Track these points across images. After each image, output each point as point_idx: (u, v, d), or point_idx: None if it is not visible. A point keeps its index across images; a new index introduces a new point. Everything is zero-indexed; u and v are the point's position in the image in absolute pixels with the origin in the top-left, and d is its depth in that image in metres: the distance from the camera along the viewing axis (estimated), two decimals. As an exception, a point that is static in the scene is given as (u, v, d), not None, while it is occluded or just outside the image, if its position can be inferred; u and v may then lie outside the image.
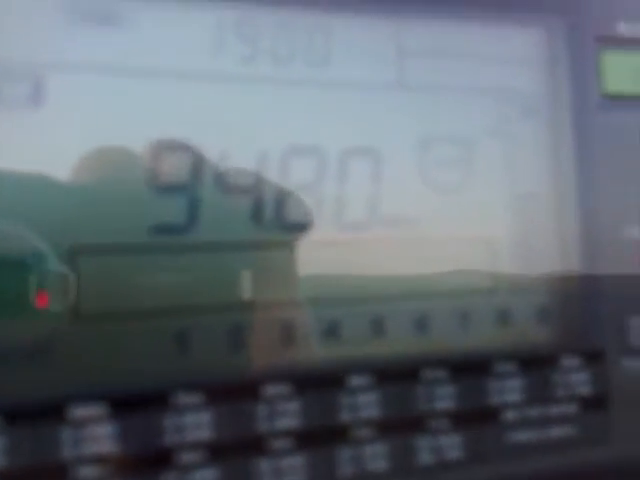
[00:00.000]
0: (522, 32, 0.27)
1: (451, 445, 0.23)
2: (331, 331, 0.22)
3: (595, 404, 0.26)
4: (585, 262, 0.26)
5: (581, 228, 0.26)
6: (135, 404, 0.19)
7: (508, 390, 0.24)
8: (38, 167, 0.19)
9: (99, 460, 0.19)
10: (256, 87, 0.22)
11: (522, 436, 0.24)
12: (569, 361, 0.25)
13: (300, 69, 0.23)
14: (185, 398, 0.20)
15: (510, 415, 0.24)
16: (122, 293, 0.20)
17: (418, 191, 0.25)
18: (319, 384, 0.22)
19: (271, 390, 0.21)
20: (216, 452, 0.20)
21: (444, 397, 0.23)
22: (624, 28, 0.28)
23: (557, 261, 0.26)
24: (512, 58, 0.26)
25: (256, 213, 0.22)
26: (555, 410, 0.25)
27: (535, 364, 0.25)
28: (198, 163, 0.21)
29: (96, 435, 0.18)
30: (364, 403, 0.22)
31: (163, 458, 0.19)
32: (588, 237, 0.26)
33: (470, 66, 0.26)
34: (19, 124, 0.19)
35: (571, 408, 0.25)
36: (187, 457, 0.19)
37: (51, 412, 0.18)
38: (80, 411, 0.18)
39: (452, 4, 0.25)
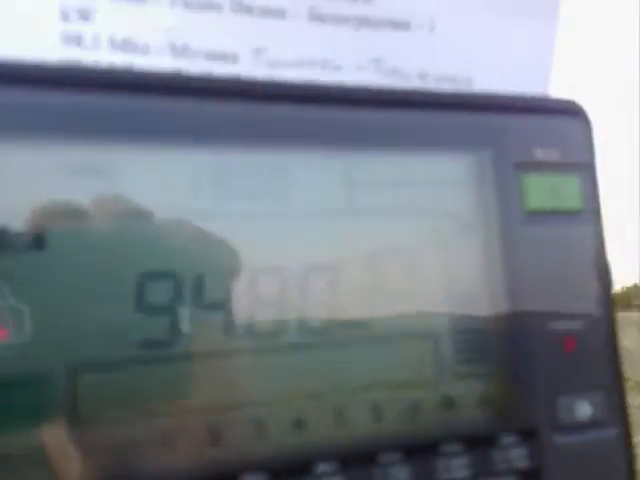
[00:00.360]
0: (452, 159, 0.32)
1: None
2: (299, 424, 0.27)
3: (531, 476, 0.30)
4: (518, 352, 0.31)
5: (512, 324, 0.31)
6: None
7: (455, 467, 0.29)
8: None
9: None
10: (228, 221, 0.27)
11: (469, 509, 0.28)
12: (507, 439, 0.30)
13: (264, 203, 0.28)
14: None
15: (457, 490, 0.28)
16: (116, 403, 0.24)
17: (370, 298, 0.30)
18: (290, 472, 0.26)
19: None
20: None
21: (398, 477, 0.27)
22: (540, 154, 0.33)
23: (493, 352, 0.31)
24: (445, 182, 0.32)
25: (227, 325, 0.27)
26: (496, 484, 0.29)
27: (477, 443, 0.29)
28: (178, 287, 0.26)
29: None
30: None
31: None
32: (519, 331, 0.31)
33: (410, 191, 0.31)
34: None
35: (511, 481, 0.29)
36: None
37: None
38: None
39: (393, 139, 0.31)
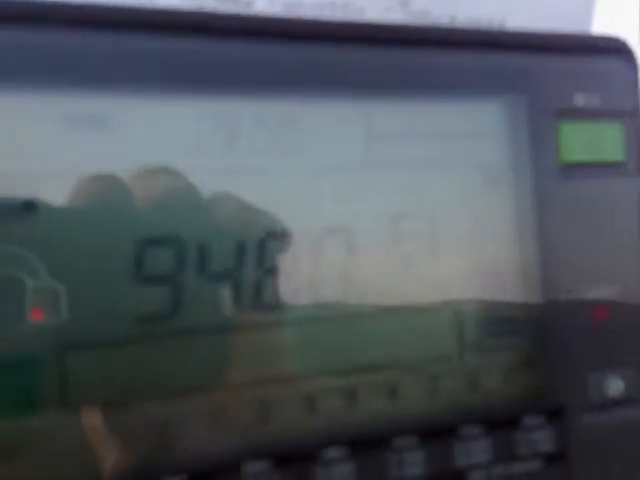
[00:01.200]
0: (483, 107, 0.29)
1: (423, 508, 0.25)
2: (307, 405, 0.24)
3: (557, 460, 0.28)
4: (547, 323, 0.29)
5: (543, 290, 0.29)
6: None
7: (474, 451, 0.27)
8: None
9: None
10: (234, 179, 0.24)
11: (489, 495, 0.27)
12: (531, 420, 0.28)
13: (274, 159, 0.25)
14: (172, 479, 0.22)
15: (477, 475, 0.26)
16: (110, 384, 0.22)
17: (389, 263, 0.27)
18: (297, 458, 0.24)
19: (251, 467, 0.23)
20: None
21: (414, 463, 0.25)
22: (580, 100, 0.30)
23: (520, 323, 0.28)
24: (474, 132, 0.29)
25: (235, 297, 0.24)
26: (519, 468, 0.27)
27: (499, 425, 0.27)
28: (181, 254, 0.23)
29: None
30: (339, 474, 0.24)
31: None
32: (549, 299, 0.29)
33: (435, 142, 0.28)
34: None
35: (534, 465, 0.27)
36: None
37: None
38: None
39: (416, 85, 0.27)
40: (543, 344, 0.29)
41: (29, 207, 0.21)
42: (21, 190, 0.21)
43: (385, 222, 0.27)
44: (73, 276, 0.21)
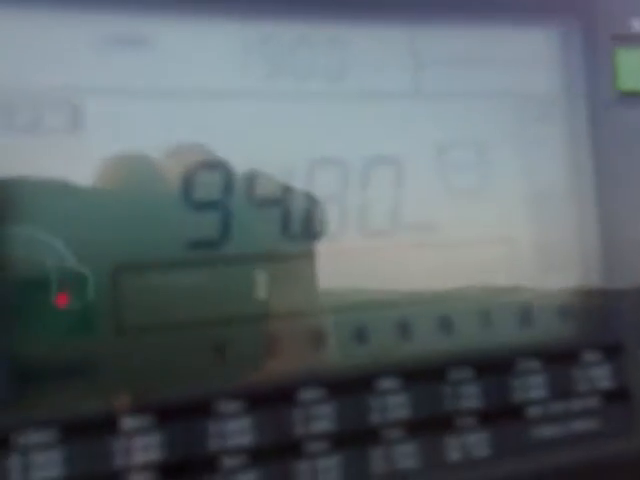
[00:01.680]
0: (536, 33, 0.28)
1: (478, 443, 0.25)
2: (359, 336, 0.24)
3: (616, 397, 0.27)
4: (604, 259, 0.28)
5: (600, 226, 0.28)
6: (179, 414, 0.21)
7: (531, 387, 0.26)
8: (78, 190, 0.21)
9: (148, 468, 0.20)
10: (279, 103, 0.23)
11: (546, 431, 0.26)
12: (590, 356, 0.27)
13: (319, 83, 0.24)
14: (226, 406, 0.21)
15: (534, 411, 0.26)
16: (162, 307, 0.21)
17: (438, 196, 0.26)
18: (350, 388, 0.23)
19: (305, 395, 0.23)
20: (256, 456, 0.21)
21: (470, 396, 0.25)
22: (638, 25, 0.29)
23: (577, 259, 0.28)
24: (526, 60, 0.28)
25: (284, 225, 0.23)
26: (577, 405, 0.27)
27: (557, 360, 0.26)
28: (229, 180, 0.23)
29: (145, 444, 0.20)
30: (393, 405, 0.24)
31: (207, 464, 0.21)
32: (607, 234, 0.28)
33: (485, 71, 0.27)
34: (60, 149, 0.21)
35: (593, 402, 0.27)
36: (229, 462, 0.21)
37: (103, 424, 0.20)
38: (128, 422, 0.20)
39: (466, 10, 0.26)
40: (600, 279, 0.28)
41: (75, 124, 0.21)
42: (64, 107, 0.21)
43: (433, 153, 0.26)
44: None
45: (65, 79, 0.21)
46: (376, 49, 0.25)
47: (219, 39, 0.23)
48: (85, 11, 0.21)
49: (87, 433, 0.20)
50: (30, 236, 0.20)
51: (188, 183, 0.22)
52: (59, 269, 0.20)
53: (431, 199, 0.26)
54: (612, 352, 0.27)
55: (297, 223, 0.24)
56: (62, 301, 0.21)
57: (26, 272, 0.20)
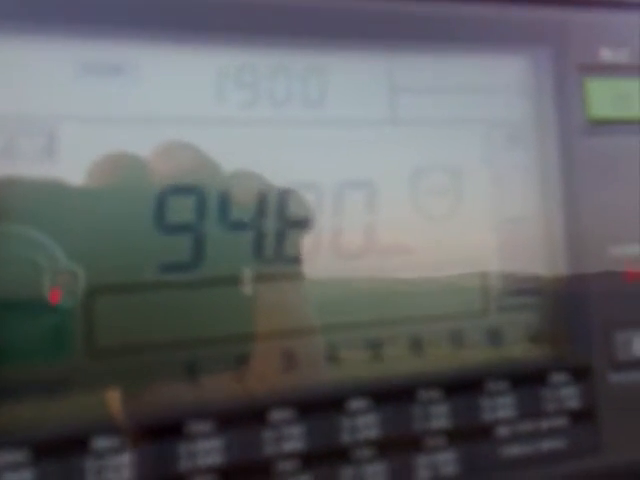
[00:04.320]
0: (507, 61, 0.29)
1: (447, 461, 0.25)
2: (331, 356, 0.25)
3: (584, 417, 0.28)
4: (572, 281, 0.28)
5: (568, 248, 0.28)
6: (150, 434, 0.21)
7: (500, 407, 0.27)
8: (53, 212, 0.21)
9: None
10: (256, 129, 0.24)
11: (515, 450, 0.26)
12: (558, 377, 0.28)
13: (297, 110, 0.25)
14: (197, 426, 0.22)
15: (503, 431, 0.26)
16: (135, 328, 0.22)
17: (411, 219, 0.27)
18: (320, 408, 0.24)
19: (276, 415, 0.23)
20: (227, 476, 0.22)
21: (439, 416, 0.25)
22: (607, 54, 0.29)
23: (545, 281, 0.28)
24: (498, 87, 0.28)
25: (257, 247, 0.24)
26: (546, 424, 0.27)
27: (525, 381, 0.27)
28: (202, 203, 0.23)
29: (116, 465, 0.20)
30: (363, 425, 0.24)
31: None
32: (575, 257, 0.28)
33: (458, 98, 0.28)
34: (35, 174, 0.21)
35: (561, 422, 0.27)
36: (200, 481, 0.22)
37: (74, 444, 0.20)
38: (101, 442, 0.20)
39: (440, 39, 0.27)
40: (569, 302, 0.28)
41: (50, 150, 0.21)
42: (40, 133, 0.21)
43: (407, 178, 0.27)
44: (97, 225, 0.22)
45: (41, 105, 0.21)
46: (353, 77, 0.26)
47: (196, 67, 0.23)
48: (63, 38, 0.22)
49: (58, 453, 0.20)
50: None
51: (161, 206, 0.23)
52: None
53: (404, 222, 0.27)
54: (580, 373, 0.28)
55: (270, 246, 0.24)
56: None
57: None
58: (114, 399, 0.21)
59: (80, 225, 0.21)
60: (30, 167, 0.21)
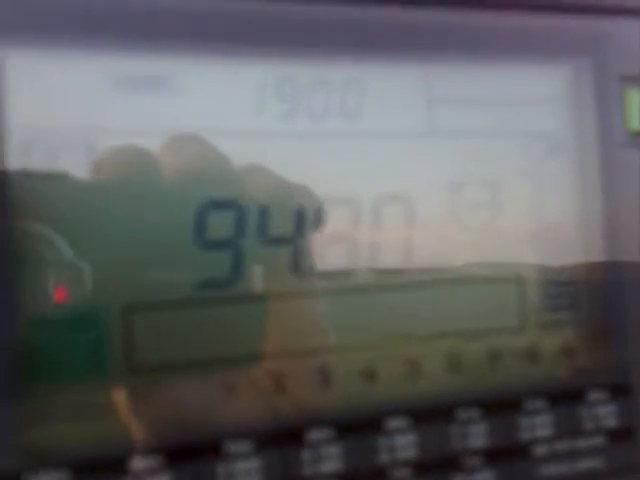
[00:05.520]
0: (548, 73, 0.28)
1: (485, 481, 0.25)
2: (368, 374, 0.24)
3: (622, 436, 0.27)
4: (612, 297, 0.28)
5: (607, 266, 0.28)
6: (188, 454, 0.21)
7: (538, 426, 0.26)
8: (97, 229, 0.21)
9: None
10: (294, 142, 0.24)
11: (552, 469, 0.26)
12: (596, 395, 0.27)
13: (335, 122, 0.24)
14: (235, 446, 0.21)
15: (540, 450, 0.26)
16: (172, 346, 0.21)
17: (450, 233, 0.26)
18: (358, 427, 0.23)
19: (313, 435, 0.22)
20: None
21: (477, 435, 0.25)
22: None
23: (584, 297, 0.28)
24: (538, 99, 0.28)
25: (294, 263, 0.23)
26: (583, 443, 0.27)
27: (563, 399, 0.26)
28: (241, 219, 0.23)
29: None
30: (401, 444, 0.24)
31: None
32: (614, 274, 0.28)
33: (497, 109, 0.27)
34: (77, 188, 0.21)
35: (599, 441, 0.27)
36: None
37: (113, 465, 0.20)
38: (138, 463, 0.20)
39: (479, 49, 0.27)
40: (608, 320, 0.28)
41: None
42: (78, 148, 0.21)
43: (445, 191, 0.26)
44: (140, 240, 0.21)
45: (82, 119, 0.21)
46: (391, 88, 0.25)
47: (235, 79, 0.23)
48: (102, 51, 0.21)
49: (97, 474, 0.20)
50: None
51: (200, 222, 0.22)
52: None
53: (442, 236, 0.26)
54: (618, 391, 0.27)
55: (308, 261, 0.24)
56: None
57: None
58: (152, 418, 0.21)
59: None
60: (72, 179, 0.21)
